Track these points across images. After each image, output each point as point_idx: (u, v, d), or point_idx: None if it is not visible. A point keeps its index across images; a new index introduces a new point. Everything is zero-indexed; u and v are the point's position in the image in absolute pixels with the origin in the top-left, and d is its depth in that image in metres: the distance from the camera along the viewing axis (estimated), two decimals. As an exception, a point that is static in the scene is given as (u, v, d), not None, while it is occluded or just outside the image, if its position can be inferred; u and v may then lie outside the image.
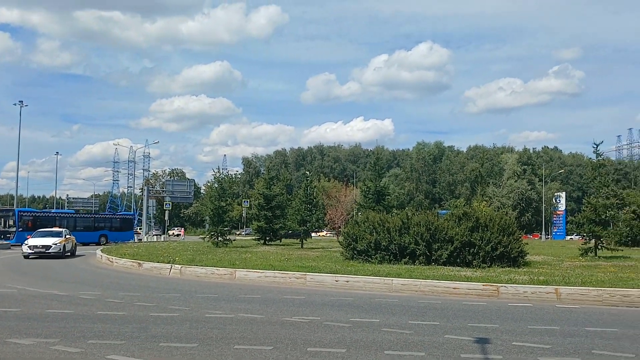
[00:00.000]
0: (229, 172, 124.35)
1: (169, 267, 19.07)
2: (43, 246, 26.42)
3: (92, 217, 51.60)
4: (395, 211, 30.89)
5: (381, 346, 7.47)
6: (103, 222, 48.90)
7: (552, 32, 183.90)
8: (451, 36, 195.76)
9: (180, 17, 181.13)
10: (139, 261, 21.09)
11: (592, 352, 7.25)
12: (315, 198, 38.00)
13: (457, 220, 19.89)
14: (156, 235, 61.80)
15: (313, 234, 40.94)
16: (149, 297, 12.62)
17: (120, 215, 55.51)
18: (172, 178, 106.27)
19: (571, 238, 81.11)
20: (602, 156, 26.69)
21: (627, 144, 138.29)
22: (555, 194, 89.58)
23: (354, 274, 15.54)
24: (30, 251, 26.32)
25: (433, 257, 18.98)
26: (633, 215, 44.39)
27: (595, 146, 25.79)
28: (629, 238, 41.69)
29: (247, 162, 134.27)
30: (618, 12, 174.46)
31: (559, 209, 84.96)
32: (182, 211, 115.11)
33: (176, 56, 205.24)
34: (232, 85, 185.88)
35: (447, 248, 18.80)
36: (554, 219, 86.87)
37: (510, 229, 19.61)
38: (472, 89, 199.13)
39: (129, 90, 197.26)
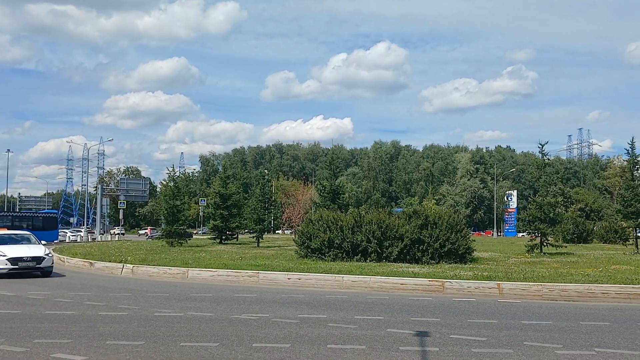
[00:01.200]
0: (186, 171, 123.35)
1: (121, 266, 18.94)
2: (33, 258, 17.07)
3: (9, 215, 48.78)
4: (352, 209, 31.29)
5: (325, 341, 7.73)
6: (23, 221, 45.82)
7: (506, 34, 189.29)
8: (409, 36, 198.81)
9: (136, 12, 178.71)
10: (90, 261, 20.88)
11: (524, 343, 7.68)
12: (272, 197, 38.10)
13: (407, 218, 20.39)
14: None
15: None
16: (99, 296, 12.58)
17: (42, 214, 52.00)
18: (127, 176, 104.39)
19: (523, 235, 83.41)
20: (547, 156, 27.72)
21: (577, 144, 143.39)
22: (507, 192, 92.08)
23: (307, 272, 15.81)
24: (11, 266, 16.67)
25: (384, 254, 19.42)
26: (580, 212, 46.07)
27: (541, 146, 26.77)
28: (575, 235, 43.27)
29: (204, 160, 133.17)
30: (569, 16, 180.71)
31: (511, 207, 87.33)
32: (137, 210, 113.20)
33: (132, 52, 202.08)
34: (189, 81, 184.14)
35: (397, 245, 19.26)
36: (506, 216, 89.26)
37: (458, 227, 20.20)
38: (429, 89, 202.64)
39: (83, 86, 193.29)
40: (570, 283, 13.27)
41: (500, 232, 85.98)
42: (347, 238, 19.77)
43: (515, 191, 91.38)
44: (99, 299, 12.00)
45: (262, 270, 16.39)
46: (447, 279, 13.99)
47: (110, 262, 20.10)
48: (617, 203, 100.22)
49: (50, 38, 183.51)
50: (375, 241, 19.43)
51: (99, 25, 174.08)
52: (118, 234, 68.74)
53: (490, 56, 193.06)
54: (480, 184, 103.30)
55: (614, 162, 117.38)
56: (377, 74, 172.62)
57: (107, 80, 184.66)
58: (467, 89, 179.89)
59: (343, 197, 31.62)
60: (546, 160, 27.60)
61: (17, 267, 16.76)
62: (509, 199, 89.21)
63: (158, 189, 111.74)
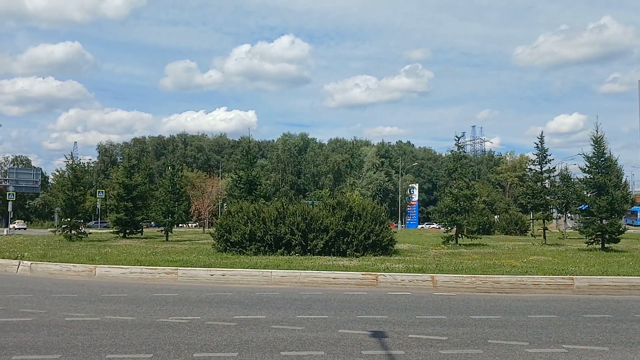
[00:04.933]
0: (81, 160, 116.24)
1: (17, 263, 16.90)
2: None
3: None
4: (263, 201, 30.28)
5: (275, 347, 6.83)
6: None
7: (406, 34, 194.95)
8: (314, 32, 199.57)
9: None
10: (-22, 258, 18.52)
11: (489, 341, 7.18)
12: (181, 188, 36.27)
13: (331, 209, 19.78)
14: None
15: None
16: (-7, 299, 10.88)
17: None
18: (15, 166, 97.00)
19: (422, 227, 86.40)
20: (463, 149, 28.25)
21: (470, 141, 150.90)
22: (409, 185, 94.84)
23: (230, 267, 14.76)
24: None
25: (309, 247, 18.69)
26: (483, 205, 47.84)
27: (457, 139, 27.31)
28: (481, 227, 44.82)
29: (103, 150, 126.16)
30: (465, 19, 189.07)
31: (413, 200, 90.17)
32: (27, 202, 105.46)
33: (21, 34, 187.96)
34: (83, 67, 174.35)
35: (322, 238, 18.59)
36: (408, 208, 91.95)
37: (381, 218, 19.91)
38: (331, 84, 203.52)
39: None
40: (502, 275, 13.18)
41: (403, 224, 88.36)
42: (270, 230, 18.83)
43: (417, 184, 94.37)
44: (-7, 303, 10.34)
45: (180, 266, 15.13)
46: (380, 272, 13.47)
47: (3, 258, 17.92)
48: (508, 196, 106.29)
49: None
50: (300, 234, 18.65)
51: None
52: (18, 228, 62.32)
53: (389, 54, 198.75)
54: (385, 177, 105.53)
55: (506, 158, 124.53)
56: (281, 67, 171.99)
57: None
58: (367, 86, 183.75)
59: (260, 188, 30.50)
60: (462, 153, 28.11)
61: None
62: (411, 192, 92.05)
63: (50, 180, 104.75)
